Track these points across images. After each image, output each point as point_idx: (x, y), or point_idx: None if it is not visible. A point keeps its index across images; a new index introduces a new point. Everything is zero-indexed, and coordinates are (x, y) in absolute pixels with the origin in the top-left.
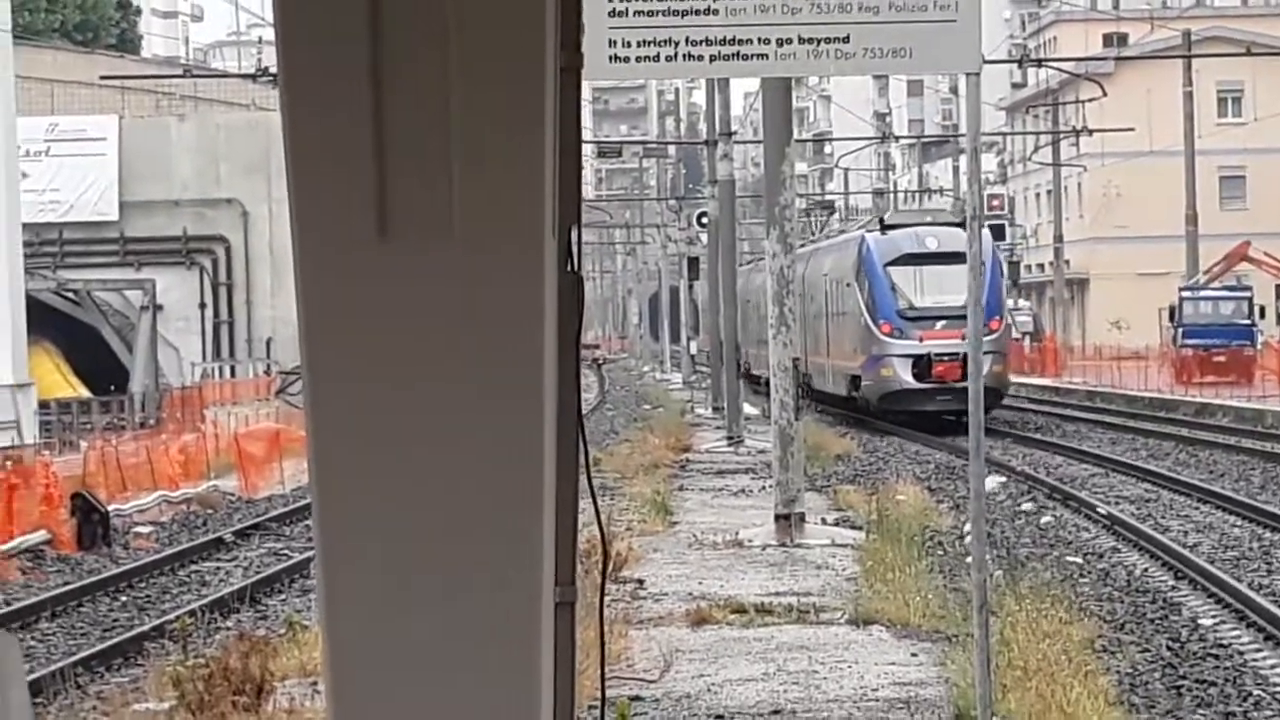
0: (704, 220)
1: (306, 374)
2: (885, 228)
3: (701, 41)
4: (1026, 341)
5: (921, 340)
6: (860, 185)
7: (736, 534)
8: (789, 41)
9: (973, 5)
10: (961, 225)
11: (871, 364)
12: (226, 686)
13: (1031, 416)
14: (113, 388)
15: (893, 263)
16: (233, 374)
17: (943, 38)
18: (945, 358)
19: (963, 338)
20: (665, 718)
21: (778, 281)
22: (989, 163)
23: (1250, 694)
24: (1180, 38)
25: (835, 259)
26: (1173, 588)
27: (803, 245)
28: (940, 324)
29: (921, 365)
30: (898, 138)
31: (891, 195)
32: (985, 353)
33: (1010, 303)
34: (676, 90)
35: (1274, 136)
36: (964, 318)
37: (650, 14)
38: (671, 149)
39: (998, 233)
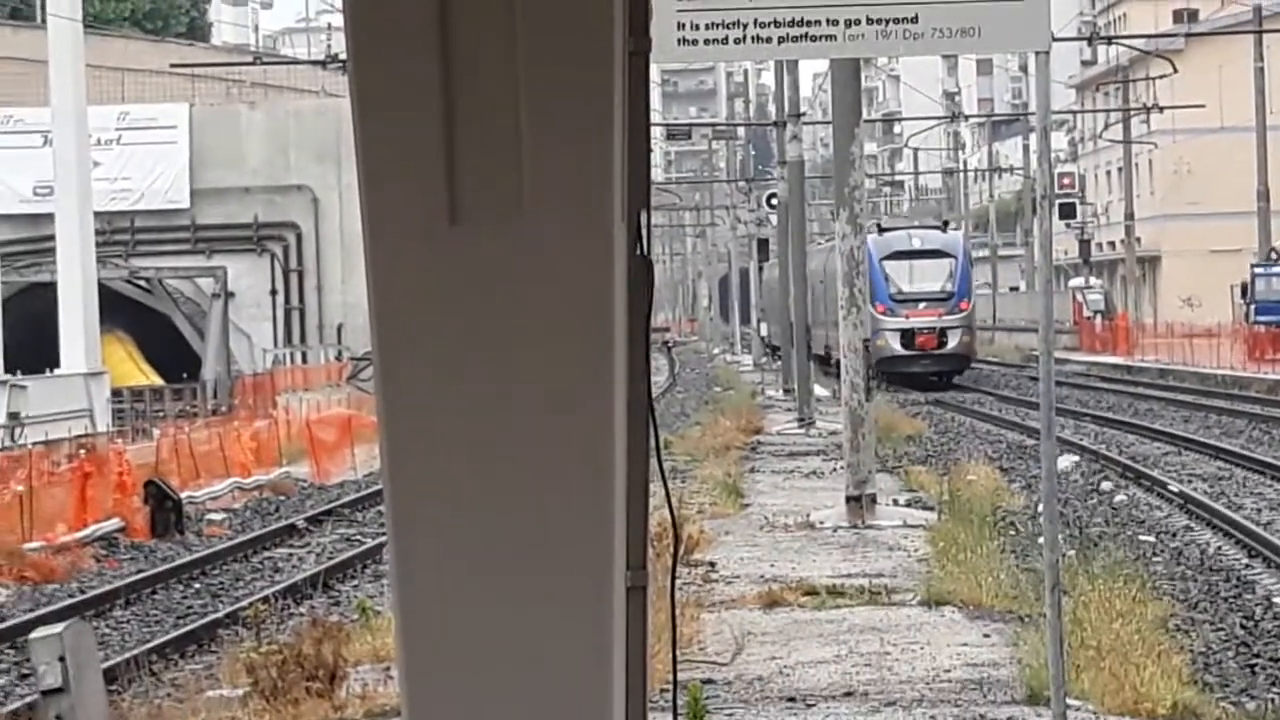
0: (774, 202)
1: (377, 359)
2: (882, 230)
3: (769, 23)
4: (1098, 320)
5: (908, 318)
6: (930, 165)
7: (808, 516)
8: (857, 22)
9: None
10: (939, 228)
11: (870, 337)
12: (300, 672)
13: (1104, 395)
14: (185, 375)
15: (886, 258)
16: (304, 360)
17: (1012, 16)
18: (925, 330)
19: (939, 315)
20: (737, 700)
21: (848, 262)
22: (1059, 141)
23: None
24: (1251, 13)
25: None
26: (1246, 566)
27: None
28: (922, 305)
29: (908, 337)
30: (967, 117)
31: (961, 174)
32: (955, 327)
33: (1081, 280)
34: (745, 72)
35: None
36: (939, 300)
37: None
38: (741, 131)
39: (1067, 210)
